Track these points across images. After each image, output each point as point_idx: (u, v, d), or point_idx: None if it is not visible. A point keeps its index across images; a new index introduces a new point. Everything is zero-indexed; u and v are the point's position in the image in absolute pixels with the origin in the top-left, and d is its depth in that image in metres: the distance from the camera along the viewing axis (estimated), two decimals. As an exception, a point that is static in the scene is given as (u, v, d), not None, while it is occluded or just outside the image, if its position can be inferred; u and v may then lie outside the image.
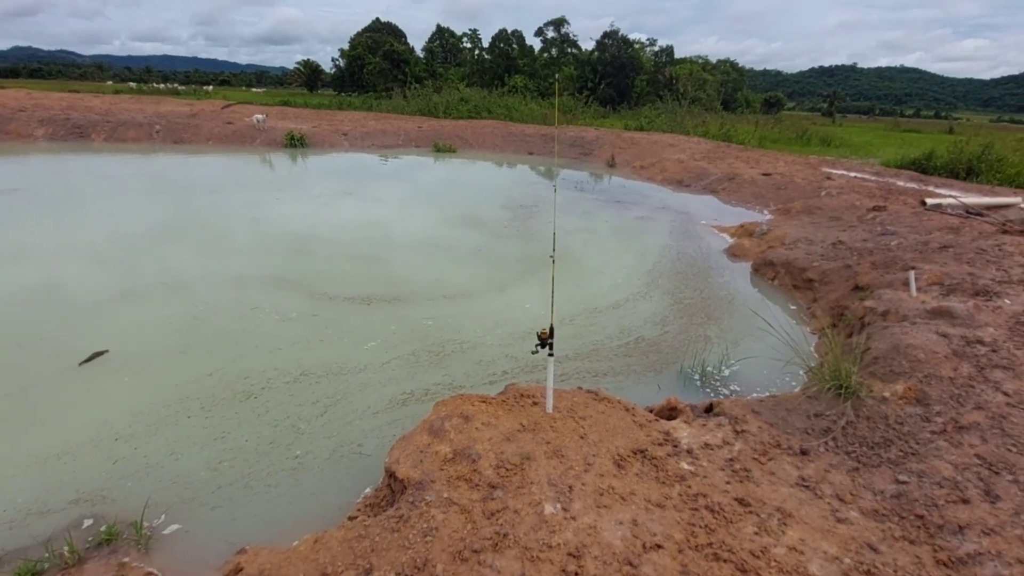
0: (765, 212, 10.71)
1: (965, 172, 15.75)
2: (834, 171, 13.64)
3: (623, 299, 6.11)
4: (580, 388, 3.25)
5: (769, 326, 3.94)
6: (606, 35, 53.52)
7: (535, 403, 2.86)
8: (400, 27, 62.24)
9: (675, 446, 2.75)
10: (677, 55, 60.70)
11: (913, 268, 5.52)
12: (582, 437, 2.61)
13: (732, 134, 22.10)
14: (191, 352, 4.58)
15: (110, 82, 54.11)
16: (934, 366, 3.32)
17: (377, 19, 60.48)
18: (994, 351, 3.53)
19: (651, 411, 3.32)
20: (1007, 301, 4.44)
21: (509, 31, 56.49)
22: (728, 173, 13.23)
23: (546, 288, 7.43)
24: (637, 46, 55.76)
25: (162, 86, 51.63)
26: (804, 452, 2.75)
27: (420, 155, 17.44)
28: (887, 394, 3.09)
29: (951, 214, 8.28)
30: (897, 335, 3.75)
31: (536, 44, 57.33)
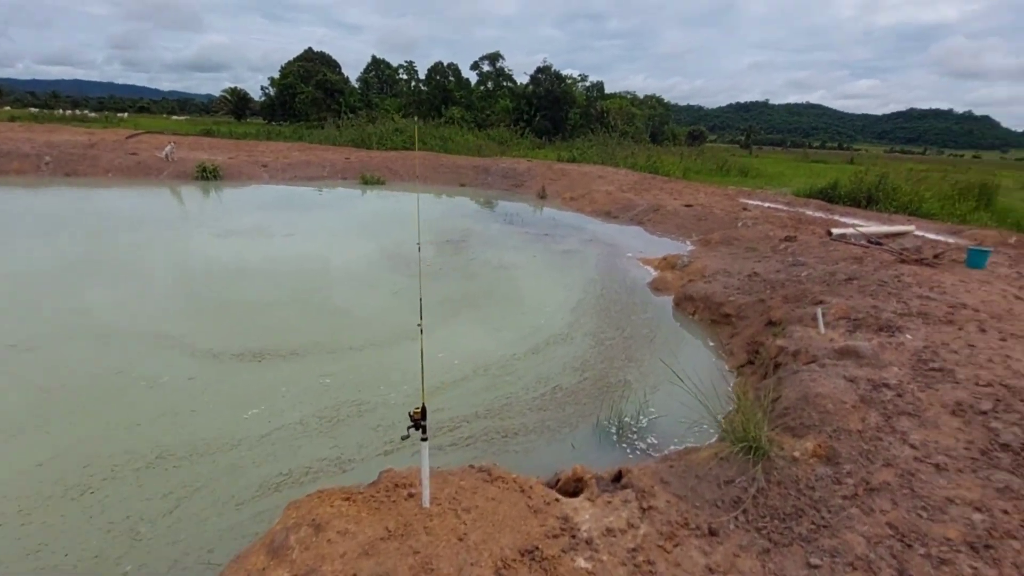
0: (688, 243, 10.92)
1: (866, 201, 17.02)
2: (750, 201, 14.29)
3: (543, 343, 5.82)
4: (471, 467, 2.85)
5: (679, 379, 3.74)
6: (539, 70, 55.25)
7: (411, 495, 2.43)
8: (334, 57, 61.44)
9: (573, 536, 2.40)
10: (608, 90, 63.28)
11: (821, 303, 5.60)
12: (461, 539, 2.20)
13: (658, 165, 22.97)
14: (24, 436, 3.80)
15: (8, 108, 49.56)
16: (842, 418, 3.19)
17: (310, 48, 59.39)
18: (899, 395, 3.47)
19: (555, 485, 2.97)
20: (908, 336, 4.50)
21: (445, 64, 57.12)
22: (653, 204, 13.53)
23: (467, 331, 7.05)
24: (569, 81, 57.90)
25: (70, 113, 47.94)
26: (713, 532, 2.47)
27: (347, 187, 16.81)
28: (797, 453, 2.90)
29: (854, 244, 8.69)
30: (806, 382, 3.63)
31: (472, 77, 58.21)
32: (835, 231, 9.12)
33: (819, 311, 4.84)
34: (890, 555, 2.27)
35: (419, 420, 2.31)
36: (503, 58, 58.87)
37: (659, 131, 65.62)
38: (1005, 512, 2.41)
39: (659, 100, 70.71)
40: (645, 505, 2.64)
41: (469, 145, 28.27)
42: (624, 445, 4.00)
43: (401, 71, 62.39)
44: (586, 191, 15.34)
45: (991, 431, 3.01)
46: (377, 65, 65.32)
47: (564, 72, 60.26)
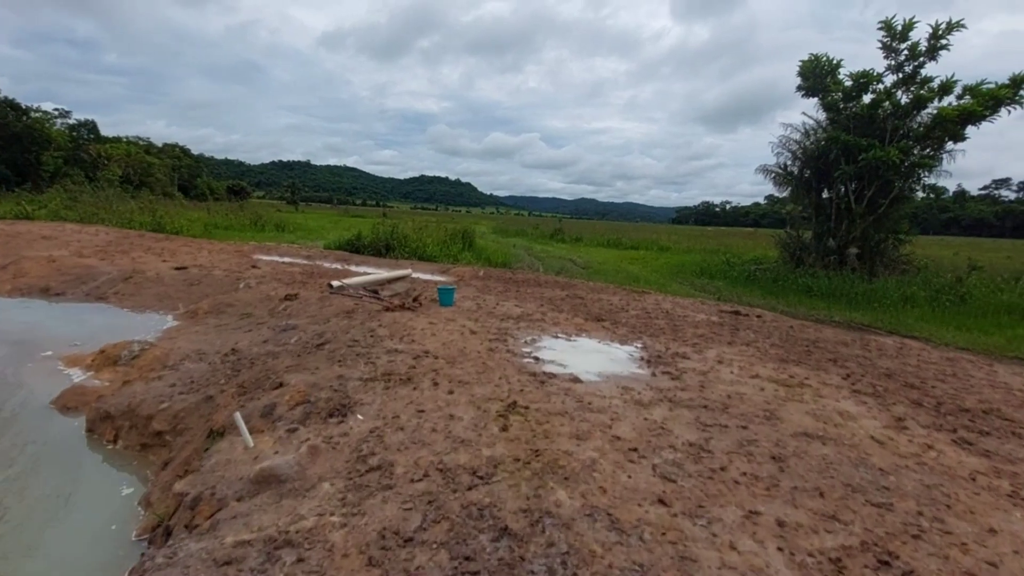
0: (170, 316, 8.23)
1: (384, 248, 18.43)
2: (265, 257, 12.76)
3: None
4: None
5: None
6: (-24, 94, 39.18)
7: None
8: None
9: None
10: (112, 133, 51.49)
11: (280, 385, 4.26)
12: None
13: (165, 223, 18.77)
14: None
15: None
16: None
17: None
18: (304, 554, 2.19)
19: None
20: (359, 418, 3.55)
21: None
22: (127, 271, 10.05)
23: None
24: (38, 115, 43.50)
25: None
26: None
27: None
28: None
29: (351, 295, 8.24)
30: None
31: None
32: (335, 283, 8.48)
33: (238, 417, 3.34)
34: None
35: None
36: None
37: (191, 184, 57.80)
38: None
39: (184, 150, 62.63)
40: None
41: None
42: None
43: None
44: (13, 259, 10.20)
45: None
46: None
47: (34, 104, 45.16)
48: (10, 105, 39.85)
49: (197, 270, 10.46)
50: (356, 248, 18.67)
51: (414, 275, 11.34)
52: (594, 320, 7.36)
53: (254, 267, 11.00)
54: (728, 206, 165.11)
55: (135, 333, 7.37)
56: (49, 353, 6.35)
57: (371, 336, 5.51)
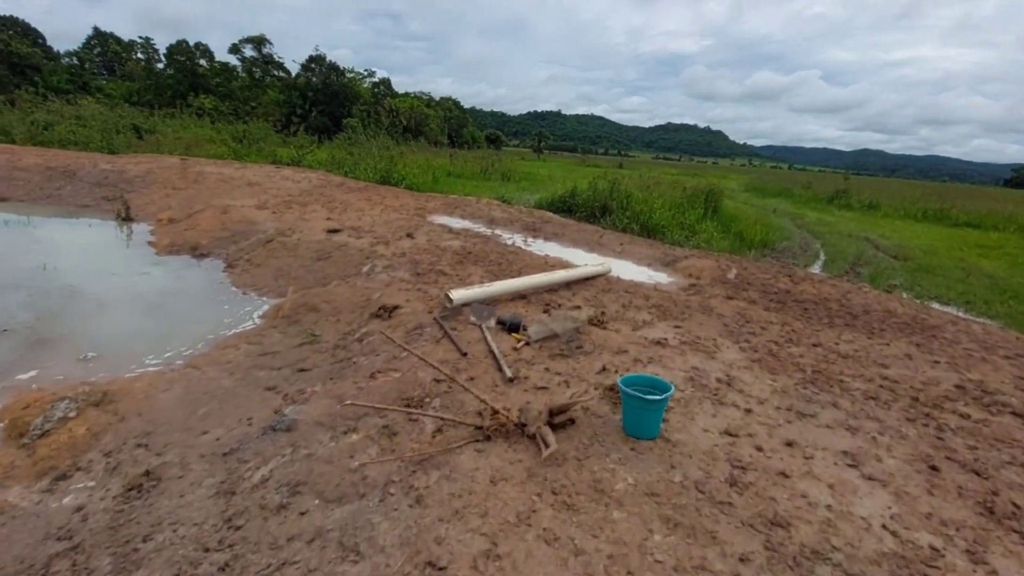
0: (263, 309, 5.62)
1: (601, 211, 13.98)
2: (441, 219, 9.70)
3: None
4: None
5: None
6: (312, 59, 46.77)
7: None
8: (38, 28, 45.03)
9: None
10: (411, 90, 57.70)
11: None
12: None
13: (392, 171, 17.72)
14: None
15: None
16: None
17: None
18: None
19: None
20: None
21: (192, 43, 44.89)
22: (284, 228, 8.04)
23: None
24: (351, 75, 50.43)
25: None
26: None
27: None
28: None
29: (474, 324, 4.22)
30: None
31: (234, 63, 46.92)
32: (456, 295, 4.54)
33: None
34: None
35: None
36: (270, 43, 48.58)
37: (458, 134, 61.86)
38: None
39: (455, 103, 66.91)
40: None
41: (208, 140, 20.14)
42: None
43: (138, 50, 47.80)
44: (204, 207, 9.22)
45: None
46: (102, 40, 49.87)
47: (349, 67, 52.60)
48: (333, 68, 46.94)
49: (348, 235, 7.86)
50: (568, 208, 14.66)
51: (612, 273, 6.73)
52: None
53: (409, 236, 7.92)
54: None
55: (183, 341, 4.82)
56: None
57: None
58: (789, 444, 2.75)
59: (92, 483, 2.84)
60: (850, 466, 2.61)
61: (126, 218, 9.02)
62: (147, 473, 2.76)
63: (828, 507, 2.26)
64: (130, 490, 2.65)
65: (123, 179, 10.99)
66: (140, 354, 4.58)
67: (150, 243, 8.04)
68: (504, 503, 2.10)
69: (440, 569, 1.76)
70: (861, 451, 2.76)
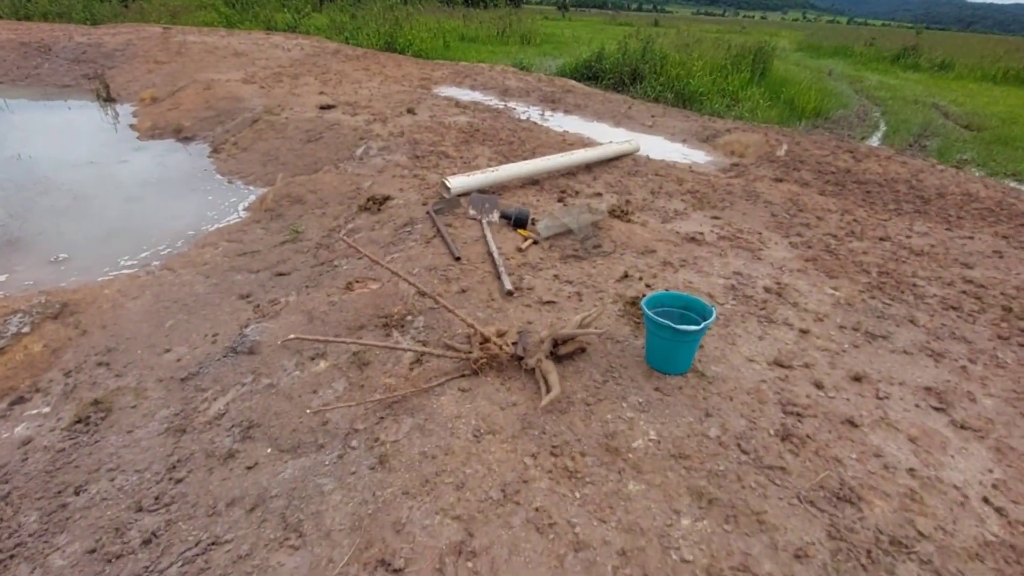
0: (249, 200, 4.99)
1: (631, 77, 12.12)
2: (448, 91, 8.40)
3: None
4: None
5: None
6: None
7: None
8: None
9: None
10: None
11: None
12: None
13: (397, 37, 15.54)
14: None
15: None
16: None
17: None
18: None
19: None
20: None
21: None
22: (272, 105, 7.05)
23: None
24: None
25: None
26: None
27: None
28: None
29: (474, 218, 3.52)
30: None
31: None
32: (454, 182, 3.77)
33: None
34: None
35: None
36: None
37: (474, -11, 54.34)
38: None
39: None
40: None
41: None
42: None
43: None
44: (187, 83, 8.14)
45: None
46: None
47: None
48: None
49: (341, 111, 6.85)
50: (593, 74, 12.77)
51: (641, 151, 5.69)
52: None
53: (409, 112, 6.85)
54: None
55: (161, 239, 4.33)
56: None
57: None
58: (857, 378, 2.14)
59: (47, 408, 2.51)
60: (936, 409, 2.01)
61: (107, 99, 8.08)
62: (96, 403, 2.39)
63: (911, 471, 1.72)
64: (77, 423, 2.30)
65: (101, 53, 9.73)
66: (115, 255, 4.11)
67: (132, 126, 7.21)
68: (488, 469, 1.63)
69: (395, 572, 1.33)
70: (948, 387, 2.14)
